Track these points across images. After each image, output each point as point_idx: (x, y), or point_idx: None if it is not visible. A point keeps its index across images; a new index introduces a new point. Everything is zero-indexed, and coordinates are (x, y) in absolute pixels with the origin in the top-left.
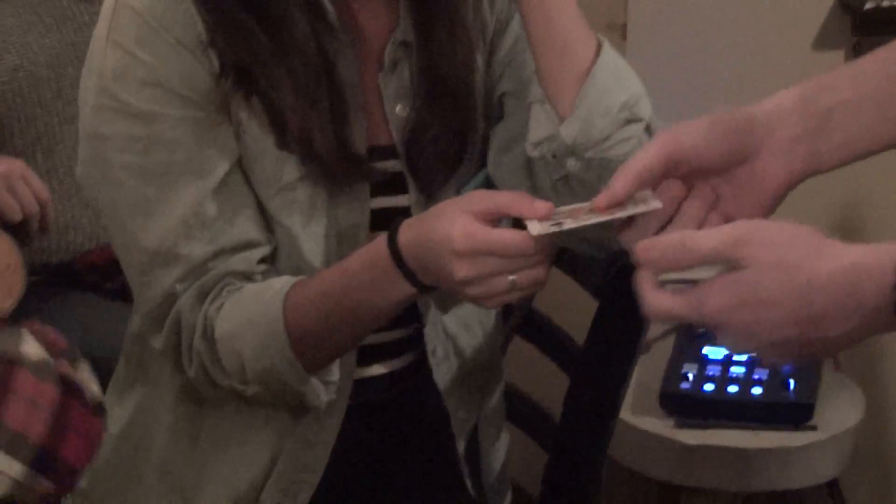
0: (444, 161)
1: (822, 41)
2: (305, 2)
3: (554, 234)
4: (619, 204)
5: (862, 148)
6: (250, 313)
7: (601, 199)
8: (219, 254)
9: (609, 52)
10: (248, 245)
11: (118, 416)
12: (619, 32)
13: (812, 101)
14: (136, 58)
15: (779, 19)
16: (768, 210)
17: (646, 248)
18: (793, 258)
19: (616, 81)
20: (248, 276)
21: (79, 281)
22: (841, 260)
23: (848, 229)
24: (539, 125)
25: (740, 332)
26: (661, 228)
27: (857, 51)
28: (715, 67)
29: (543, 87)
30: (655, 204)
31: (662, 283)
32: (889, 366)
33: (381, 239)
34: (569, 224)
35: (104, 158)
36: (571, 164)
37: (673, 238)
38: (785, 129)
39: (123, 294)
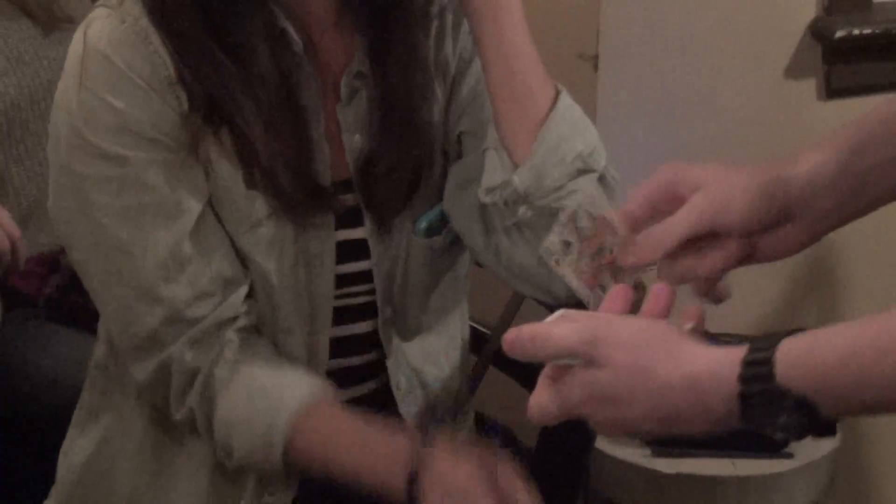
0: (398, 192)
1: (794, 70)
2: (271, 34)
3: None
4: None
5: (888, 200)
6: (251, 414)
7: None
8: (200, 296)
9: (566, 100)
10: (227, 284)
11: (83, 445)
12: (591, 63)
13: (848, 168)
14: (105, 102)
15: (750, 48)
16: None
17: (510, 339)
18: (646, 361)
19: (572, 131)
20: (234, 322)
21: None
22: (692, 366)
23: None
24: (492, 172)
25: (603, 422)
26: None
27: (828, 79)
28: (688, 97)
29: (499, 132)
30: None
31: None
32: None
33: (402, 471)
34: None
35: (83, 196)
36: (523, 211)
37: (535, 330)
38: (820, 203)
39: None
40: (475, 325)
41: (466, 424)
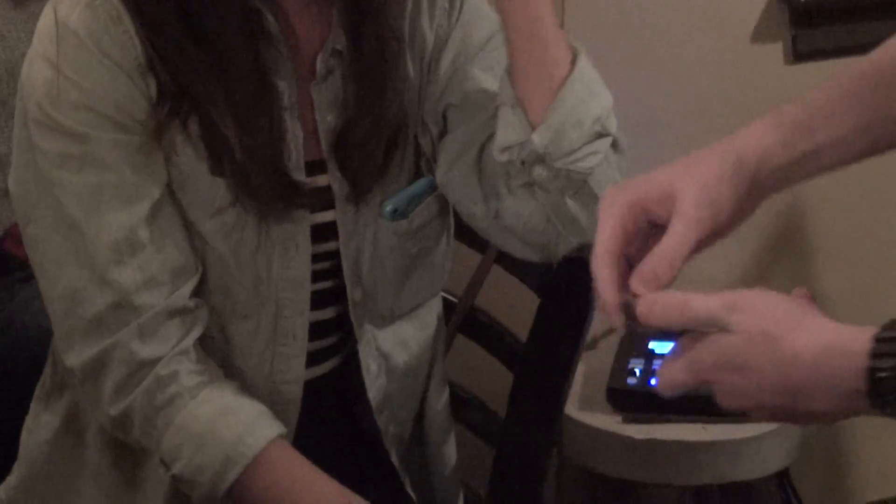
0: (370, 165)
1: (760, 34)
2: (245, 16)
3: None
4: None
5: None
6: (212, 436)
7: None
8: (149, 282)
9: (585, 62)
10: (178, 274)
11: (48, 421)
12: None
13: (795, 149)
14: (71, 81)
15: (716, 13)
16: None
17: (648, 305)
18: (776, 330)
19: (590, 93)
20: (185, 312)
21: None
22: (819, 338)
23: (787, 228)
24: (508, 129)
25: (729, 392)
26: None
27: (795, 43)
28: (654, 62)
29: (518, 91)
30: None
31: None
32: None
33: None
34: None
35: (42, 171)
36: (538, 171)
37: (674, 298)
38: (771, 183)
39: None
40: (443, 294)
41: (442, 400)
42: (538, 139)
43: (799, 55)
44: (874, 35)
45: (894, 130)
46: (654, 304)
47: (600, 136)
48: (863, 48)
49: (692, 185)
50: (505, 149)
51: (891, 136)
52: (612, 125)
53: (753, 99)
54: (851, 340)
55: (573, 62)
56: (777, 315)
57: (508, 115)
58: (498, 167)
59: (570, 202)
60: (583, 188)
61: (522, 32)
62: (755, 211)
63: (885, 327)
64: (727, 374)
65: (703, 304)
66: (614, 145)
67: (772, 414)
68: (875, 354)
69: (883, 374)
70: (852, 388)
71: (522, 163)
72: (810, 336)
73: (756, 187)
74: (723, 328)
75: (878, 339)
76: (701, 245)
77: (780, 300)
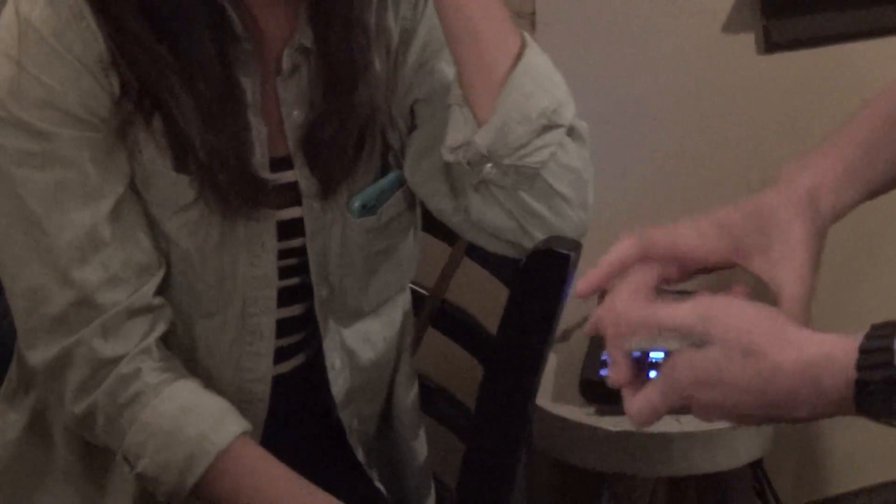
0: (340, 162)
1: (732, 25)
2: (209, 14)
3: None
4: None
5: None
6: (176, 434)
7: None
8: (112, 280)
9: (533, 54)
10: (142, 271)
11: (15, 420)
12: (528, 21)
13: (816, 200)
14: (34, 78)
15: (688, 4)
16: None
17: (614, 321)
18: (758, 344)
19: (536, 87)
20: (148, 310)
21: None
22: (805, 350)
23: None
24: (457, 129)
25: (708, 408)
26: None
27: (766, 34)
28: (625, 54)
29: (462, 89)
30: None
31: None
32: None
33: None
34: None
35: (2, 169)
36: (488, 169)
37: (643, 310)
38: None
39: None
40: (413, 287)
41: (410, 395)
42: (480, 139)
43: (771, 45)
44: (845, 25)
45: None
46: (619, 323)
47: (549, 128)
48: (834, 38)
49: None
50: (452, 149)
51: None
52: (565, 115)
53: (726, 90)
54: (837, 351)
55: (520, 54)
56: (756, 328)
57: (457, 115)
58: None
59: (526, 197)
60: (536, 182)
61: (459, 32)
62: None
63: (870, 336)
64: (706, 391)
65: (670, 315)
66: (571, 133)
67: (751, 420)
68: (862, 367)
69: (871, 387)
70: (839, 397)
71: (469, 163)
72: (794, 350)
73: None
74: (696, 342)
75: (865, 351)
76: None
77: (755, 310)
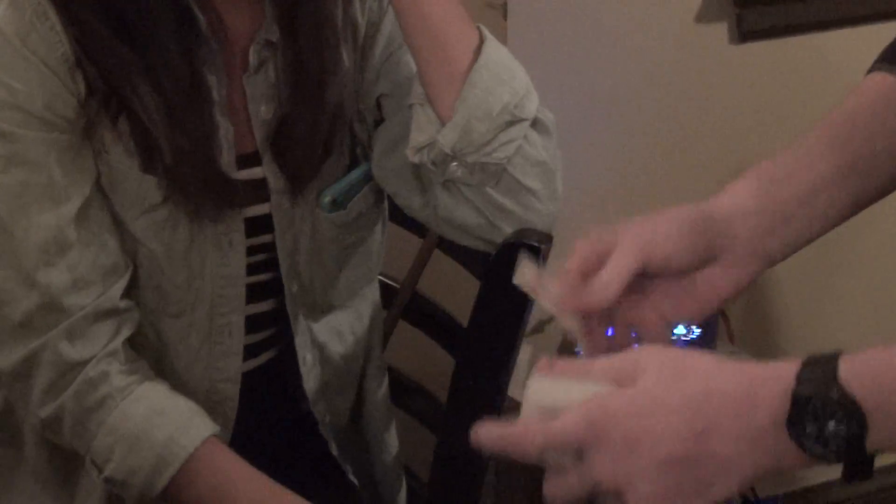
0: (309, 159)
1: (705, 14)
2: (174, 14)
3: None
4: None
5: (815, 234)
6: (145, 436)
7: (576, 302)
8: (78, 283)
9: (492, 48)
10: (108, 274)
11: None
12: (499, 11)
13: (769, 197)
14: None
15: None
16: (708, 314)
17: (545, 364)
18: (691, 370)
19: (497, 82)
20: (115, 313)
21: None
22: (741, 373)
23: None
24: (420, 129)
25: (621, 449)
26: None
27: (739, 23)
28: (598, 43)
29: (424, 88)
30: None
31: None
32: (782, 337)
33: None
34: (543, 301)
35: None
36: (453, 168)
37: (574, 364)
38: (744, 232)
39: None
40: (384, 280)
41: (381, 388)
42: (444, 139)
43: (744, 35)
44: (818, 14)
45: (871, 183)
46: (552, 365)
47: (512, 123)
48: (807, 27)
49: (643, 224)
50: (417, 150)
51: (869, 190)
52: (529, 108)
53: (698, 79)
54: (779, 369)
55: (479, 50)
56: (692, 360)
57: (419, 115)
58: None
59: (493, 193)
60: (503, 177)
61: (417, 31)
62: (738, 278)
63: (817, 355)
64: (625, 424)
65: (602, 360)
66: (536, 125)
67: (659, 485)
68: (802, 379)
69: (806, 400)
70: (771, 416)
71: (433, 163)
72: (731, 372)
73: (726, 240)
74: (623, 384)
75: (807, 363)
76: (673, 305)
77: (690, 352)
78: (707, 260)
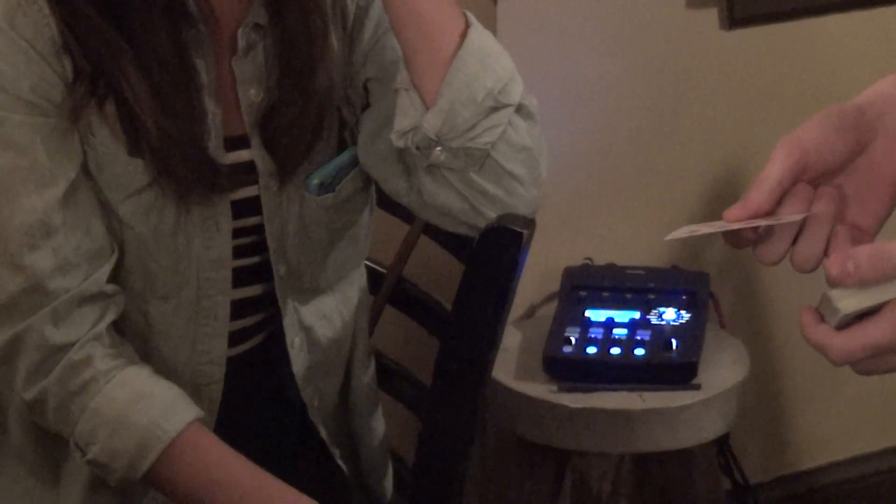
0: (301, 143)
1: (696, 0)
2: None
3: (686, 237)
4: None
5: None
6: (128, 420)
7: (735, 210)
8: (63, 266)
9: (477, 33)
10: (94, 257)
11: None
12: None
13: None
14: None
15: None
16: (894, 198)
17: (840, 261)
18: None
19: (482, 67)
20: (100, 297)
21: None
22: None
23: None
24: (404, 114)
25: None
26: (794, 238)
27: (730, 9)
28: (589, 30)
29: (409, 72)
30: (798, 216)
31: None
32: (773, 322)
33: None
34: (703, 230)
35: None
36: (437, 153)
37: (866, 249)
38: (893, 114)
39: None
40: (371, 265)
41: (368, 372)
42: (428, 124)
43: (735, 21)
44: (809, 0)
45: None
46: (846, 262)
47: (496, 109)
48: (798, 13)
49: (782, 139)
50: (401, 134)
51: None
52: (513, 94)
53: (690, 65)
54: None
55: (464, 35)
56: None
57: (404, 100)
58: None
59: (477, 178)
60: (486, 162)
61: (404, 15)
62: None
63: None
64: None
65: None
66: (520, 111)
67: None
68: None
69: None
70: None
71: (418, 148)
72: None
73: (879, 128)
74: None
75: None
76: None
77: None
78: (862, 146)
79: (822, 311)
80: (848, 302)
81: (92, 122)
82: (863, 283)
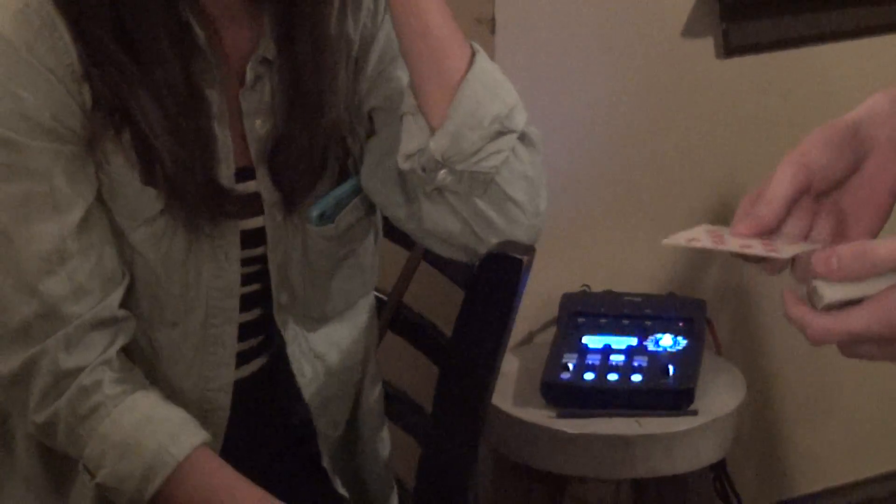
0: (305, 177)
1: (691, 28)
2: (173, 28)
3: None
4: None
5: None
6: (136, 444)
7: (744, 226)
8: (77, 292)
9: (483, 61)
10: (107, 282)
11: None
12: (487, 27)
13: None
14: (5, 89)
15: (647, 8)
16: (888, 211)
17: (824, 258)
18: None
19: (488, 93)
20: (112, 322)
21: None
22: None
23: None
24: (410, 137)
25: None
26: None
27: (726, 37)
28: (585, 58)
29: (416, 96)
30: (814, 246)
31: (823, 308)
32: (769, 348)
33: None
34: (701, 242)
35: None
36: (442, 176)
37: (849, 247)
38: (884, 130)
39: None
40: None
41: (375, 394)
42: (435, 145)
43: (730, 49)
44: (804, 28)
45: None
46: (830, 259)
47: (502, 134)
48: (793, 42)
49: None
50: (407, 157)
51: None
52: (517, 121)
53: (685, 94)
54: None
55: (470, 62)
56: None
57: (410, 123)
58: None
59: (480, 203)
60: (490, 187)
61: (414, 44)
62: (892, 173)
63: None
64: None
65: (887, 248)
66: (524, 139)
67: None
68: None
69: None
70: None
71: (423, 169)
72: None
73: (869, 141)
74: None
75: None
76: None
77: None
78: (858, 162)
79: (807, 299)
80: (832, 291)
81: (107, 149)
82: (845, 280)
